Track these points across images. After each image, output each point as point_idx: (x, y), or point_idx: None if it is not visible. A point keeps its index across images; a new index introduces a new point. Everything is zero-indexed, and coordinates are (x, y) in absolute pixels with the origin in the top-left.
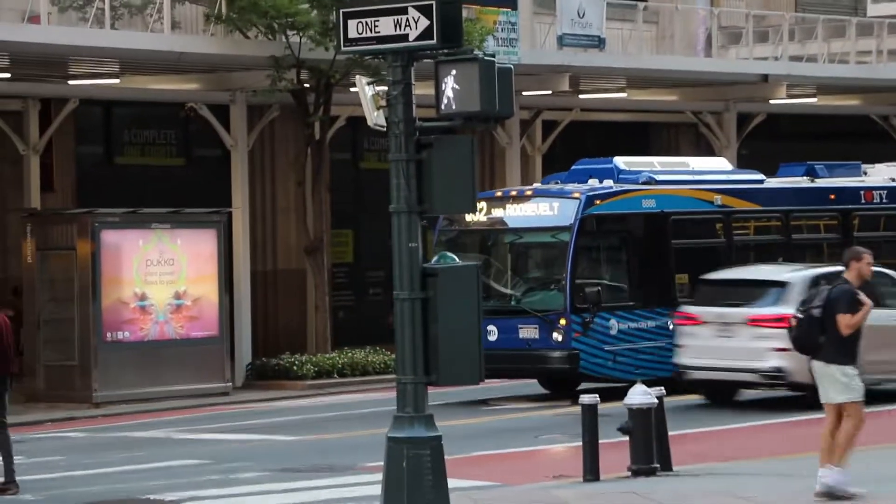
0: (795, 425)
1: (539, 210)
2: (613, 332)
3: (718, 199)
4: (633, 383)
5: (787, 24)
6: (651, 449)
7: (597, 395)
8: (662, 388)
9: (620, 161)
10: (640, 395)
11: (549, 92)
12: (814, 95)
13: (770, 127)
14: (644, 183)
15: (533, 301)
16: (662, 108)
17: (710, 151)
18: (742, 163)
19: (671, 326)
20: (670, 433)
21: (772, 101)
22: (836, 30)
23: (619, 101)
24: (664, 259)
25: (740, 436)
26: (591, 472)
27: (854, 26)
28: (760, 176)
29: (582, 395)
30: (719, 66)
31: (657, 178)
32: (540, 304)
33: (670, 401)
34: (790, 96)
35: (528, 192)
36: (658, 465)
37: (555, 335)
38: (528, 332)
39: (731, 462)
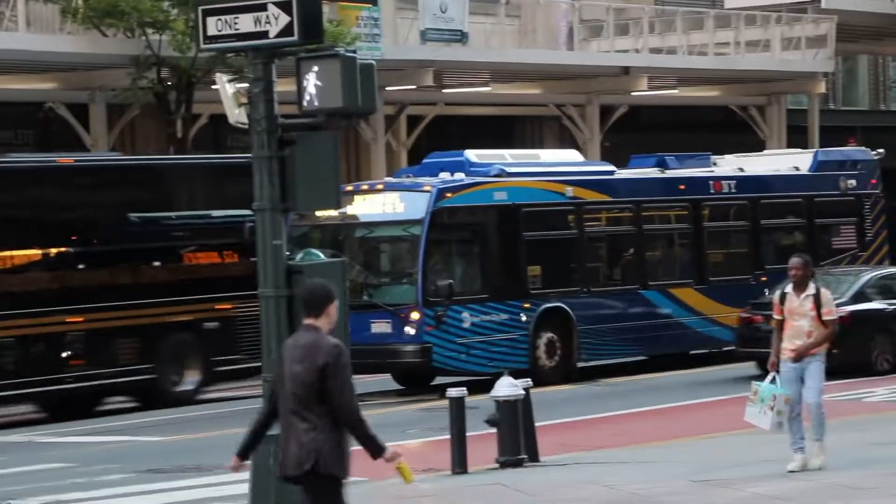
0: (662, 413)
1: (390, 204)
2: (466, 324)
3: (570, 190)
4: (488, 376)
5: (647, 17)
6: (518, 440)
7: (464, 388)
8: (529, 379)
9: (471, 154)
10: (507, 387)
11: (414, 87)
12: (674, 87)
13: (632, 119)
14: (495, 175)
15: (385, 295)
16: (526, 101)
17: (573, 144)
18: (605, 155)
19: (524, 318)
20: (538, 424)
21: (633, 93)
22: (694, 22)
23: (483, 94)
24: (516, 251)
25: (607, 425)
26: (459, 464)
27: (712, 18)
28: (611, 167)
29: (449, 389)
30: (581, 58)
31: (508, 171)
32: (392, 298)
33: (537, 392)
34: (651, 88)
35: (380, 186)
36: (525, 457)
37: (407, 329)
38: (381, 326)
39: (598, 451)
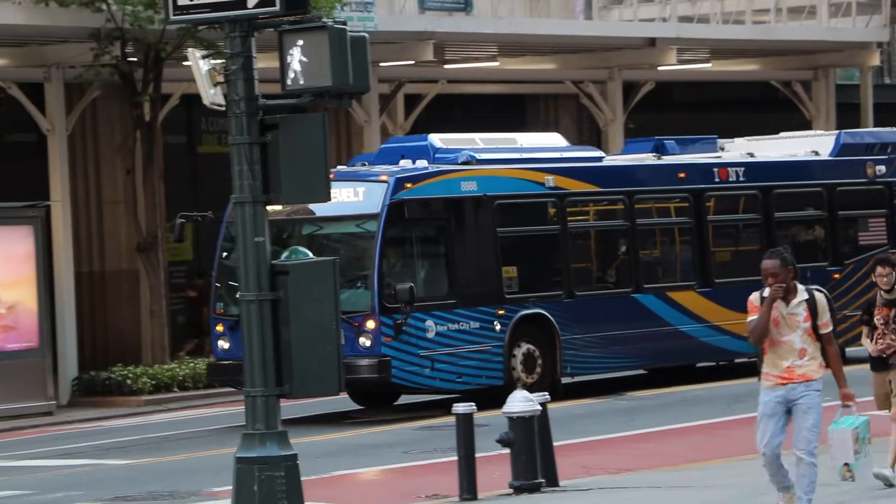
0: (697, 431)
1: (342, 196)
2: (430, 334)
3: (551, 179)
4: (457, 393)
5: None
6: (534, 462)
7: (473, 404)
8: (546, 393)
9: (436, 138)
10: (521, 401)
11: (412, 62)
12: (707, 60)
13: (660, 96)
14: (464, 163)
15: None
16: (539, 77)
17: (592, 125)
18: (630, 137)
19: (498, 327)
20: (556, 443)
21: (660, 68)
22: None
23: (491, 70)
24: (488, 250)
25: (634, 444)
26: (468, 490)
27: None
28: (599, 153)
29: (455, 404)
30: (601, 29)
31: (479, 158)
32: (344, 304)
33: (552, 407)
34: (681, 62)
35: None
36: (543, 481)
37: (362, 340)
38: None
39: (624, 474)
